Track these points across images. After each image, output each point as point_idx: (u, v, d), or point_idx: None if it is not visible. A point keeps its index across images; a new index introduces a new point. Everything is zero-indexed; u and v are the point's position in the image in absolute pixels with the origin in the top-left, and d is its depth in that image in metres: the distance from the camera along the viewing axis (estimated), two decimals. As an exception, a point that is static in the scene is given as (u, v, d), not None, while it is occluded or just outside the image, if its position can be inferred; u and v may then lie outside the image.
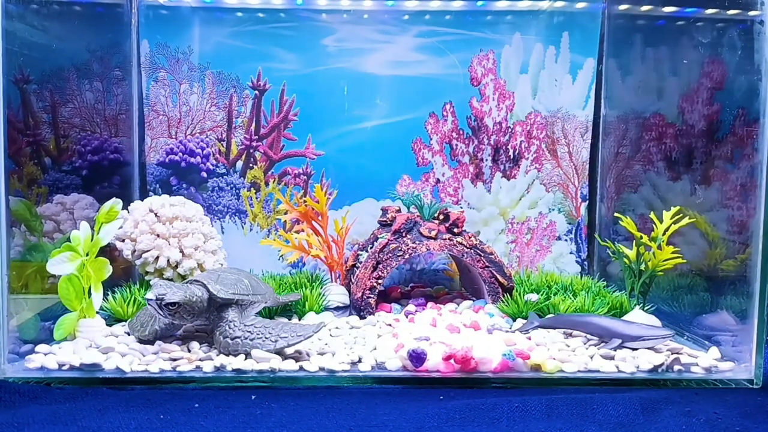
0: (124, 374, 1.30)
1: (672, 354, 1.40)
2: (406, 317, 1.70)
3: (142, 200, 1.77)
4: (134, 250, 1.70)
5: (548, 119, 2.11)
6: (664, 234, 1.63)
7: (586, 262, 2.14)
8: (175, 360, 1.35)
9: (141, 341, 1.45)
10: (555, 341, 1.50)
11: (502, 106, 2.10)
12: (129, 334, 1.50)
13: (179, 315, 1.36)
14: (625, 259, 1.72)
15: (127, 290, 1.72)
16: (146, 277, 1.71)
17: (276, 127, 2.09)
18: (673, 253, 1.62)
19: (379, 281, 1.70)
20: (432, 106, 2.10)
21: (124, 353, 1.37)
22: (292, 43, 2.06)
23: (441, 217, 1.82)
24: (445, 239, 1.75)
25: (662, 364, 1.35)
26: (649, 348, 1.43)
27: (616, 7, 2.04)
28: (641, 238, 1.67)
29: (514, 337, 1.49)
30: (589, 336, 1.52)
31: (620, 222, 1.75)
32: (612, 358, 1.40)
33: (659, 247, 1.63)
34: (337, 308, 1.71)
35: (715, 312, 1.54)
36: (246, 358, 1.34)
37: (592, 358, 1.39)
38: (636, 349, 1.43)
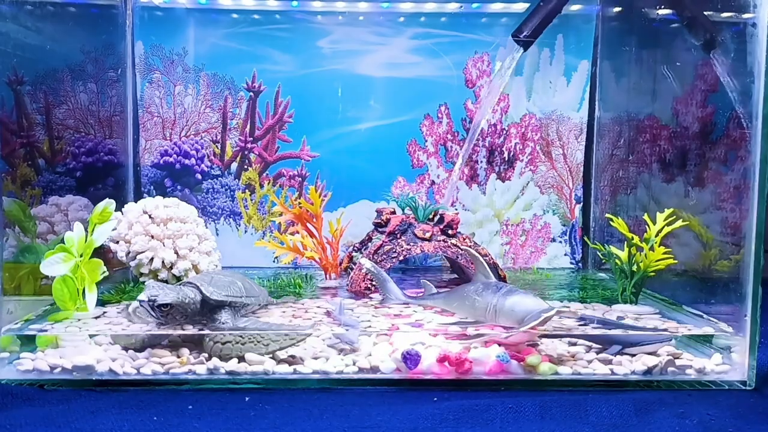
0: (117, 376, 1.29)
1: (668, 356, 1.40)
2: (401, 319, 1.70)
3: (137, 202, 1.76)
4: (128, 252, 1.69)
5: (543, 121, 2.11)
6: (656, 236, 1.63)
7: (580, 264, 2.15)
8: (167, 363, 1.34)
9: (127, 350, 1.37)
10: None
11: (496, 108, 2.10)
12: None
13: (172, 317, 1.35)
14: (617, 261, 1.72)
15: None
16: (141, 279, 1.71)
17: (271, 128, 2.08)
18: (664, 254, 1.62)
19: (374, 283, 1.70)
20: (427, 108, 2.10)
21: (113, 358, 1.35)
22: (287, 44, 2.06)
23: (435, 218, 1.82)
24: (440, 241, 1.75)
25: (656, 366, 1.35)
26: (649, 353, 1.41)
27: (610, 9, 2.05)
28: (633, 239, 1.67)
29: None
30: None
31: (612, 223, 1.75)
32: (610, 361, 1.39)
33: (651, 249, 1.63)
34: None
35: (708, 313, 1.54)
36: (239, 361, 1.34)
37: (589, 363, 1.38)
38: (635, 355, 1.41)
